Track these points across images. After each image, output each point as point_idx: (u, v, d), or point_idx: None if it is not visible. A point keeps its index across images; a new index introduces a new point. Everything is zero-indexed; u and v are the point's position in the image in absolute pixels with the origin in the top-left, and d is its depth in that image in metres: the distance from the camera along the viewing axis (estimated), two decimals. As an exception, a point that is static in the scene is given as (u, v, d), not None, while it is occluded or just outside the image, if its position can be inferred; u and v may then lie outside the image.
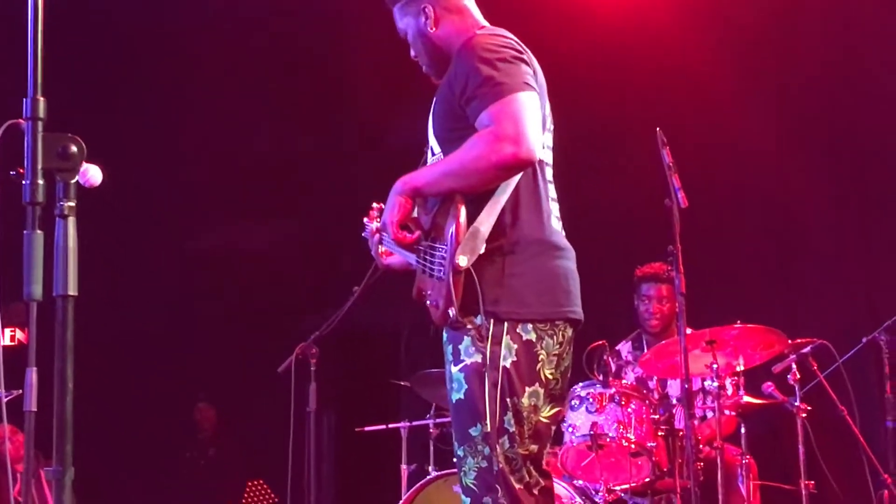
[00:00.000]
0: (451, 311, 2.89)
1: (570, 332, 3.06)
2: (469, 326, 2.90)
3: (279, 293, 8.40)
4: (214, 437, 8.85)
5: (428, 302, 3.02)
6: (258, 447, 8.13)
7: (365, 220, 3.59)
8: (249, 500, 8.40)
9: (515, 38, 3.09)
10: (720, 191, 6.97)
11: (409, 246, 3.07)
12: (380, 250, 3.43)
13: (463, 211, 2.90)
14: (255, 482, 8.39)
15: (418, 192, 3.04)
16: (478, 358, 2.92)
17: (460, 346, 2.96)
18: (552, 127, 3.21)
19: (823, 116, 6.81)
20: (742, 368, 5.07)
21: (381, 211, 3.33)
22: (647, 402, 5.05)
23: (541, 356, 2.96)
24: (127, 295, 7.97)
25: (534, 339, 2.95)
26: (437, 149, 3.12)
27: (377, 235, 3.38)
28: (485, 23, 3.23)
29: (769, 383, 5.21)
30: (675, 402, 5.54)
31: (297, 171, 8.33)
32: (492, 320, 2.90)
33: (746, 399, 5.06)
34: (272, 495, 8.38)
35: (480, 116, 2.91)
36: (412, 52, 3.31)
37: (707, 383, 5.45)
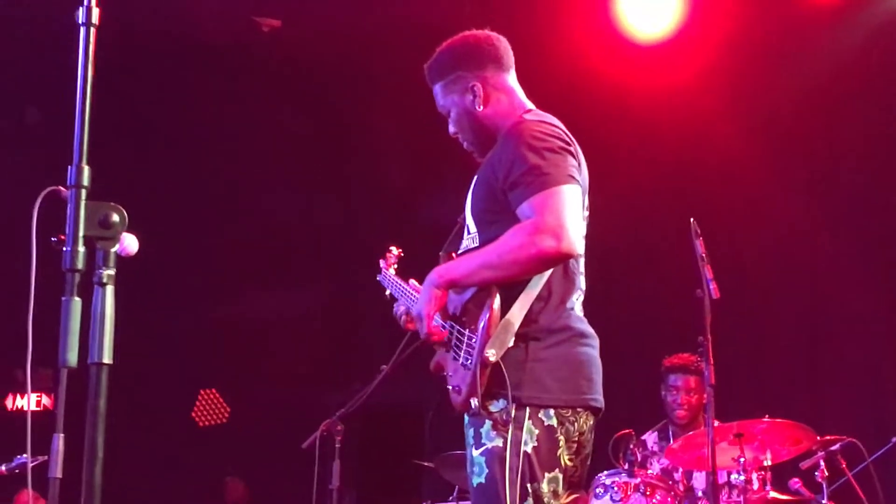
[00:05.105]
0: (474, 402, 2.88)
1: (591, 420, 3.05)
2: (488, 416, 2.88)
3: (304, 365, 8.38)
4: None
5: (449, 386, 3.01)
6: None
7: (381, 262, 3.64)
8: (201, 407, 8.27)
9: (563, 127, 3.07)
10: (752, 283, 6.94)
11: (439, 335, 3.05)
12: (405, 317, 3.40)
13: (497, 300, 2.89)
14: (208, 391, 8.27)
15: (455, 284, 3.03)
16: (499, 442, 2.90)
17: (482, 430, 2.94)
18: (587, 213, 3.19)
19: (859, 209, 6.78)
20: (769, 463, 5.02)
21: (398, 258, 3.66)
22: (672, 493, 4.99)
23: (561, 442, 2.94)
24: (148, 363, 7.96)
25: (555, 425, 2.93)
26: (472, 228, 3.11)
27: (400, 301, 3.40)
28: (530, 105, 3.21)
29: (796, 479, 5.15)
30: (700, 494, 5.47)
31: (325, 241, 8.37)
32: (514, 405, 2.88)
33: (773, 495, 4.99)
34: (225, 406, 8.24)
35: (522, 206, 2.89)
36: (451, 129, 3.26)
37: (733, 477, 5.39)
